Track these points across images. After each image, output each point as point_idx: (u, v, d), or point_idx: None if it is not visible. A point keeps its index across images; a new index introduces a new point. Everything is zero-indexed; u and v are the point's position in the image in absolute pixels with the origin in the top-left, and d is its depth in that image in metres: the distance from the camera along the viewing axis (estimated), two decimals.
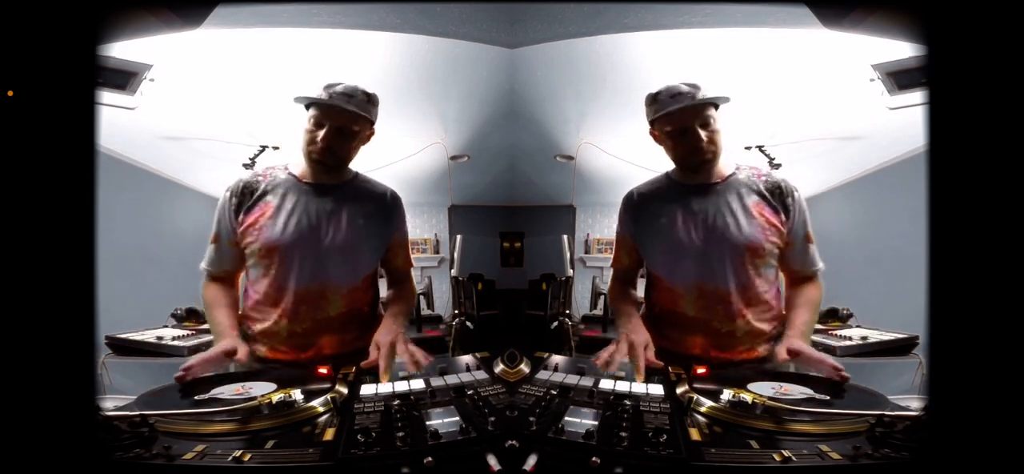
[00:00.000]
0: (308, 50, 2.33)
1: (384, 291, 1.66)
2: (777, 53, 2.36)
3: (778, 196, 1.41)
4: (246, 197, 1.41)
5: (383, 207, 1.49)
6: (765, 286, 1.41)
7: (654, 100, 1.40)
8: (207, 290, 1.46)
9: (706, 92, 1.38)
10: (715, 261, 1.38)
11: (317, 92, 1.39)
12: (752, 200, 1.40)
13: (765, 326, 1.43)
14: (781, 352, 1.31)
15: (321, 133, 1.37)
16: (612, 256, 1.61)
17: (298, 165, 1.46)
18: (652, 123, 1.43)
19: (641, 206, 1.50)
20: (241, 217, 1.41)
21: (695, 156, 1.39)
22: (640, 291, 1.64)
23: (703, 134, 1.36)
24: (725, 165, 1.45)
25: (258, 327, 1.43)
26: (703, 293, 1.40)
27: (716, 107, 1.38)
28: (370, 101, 1.41)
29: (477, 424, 0.96)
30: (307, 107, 1.40)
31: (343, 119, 1.38)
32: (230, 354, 1.27)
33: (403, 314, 1.52)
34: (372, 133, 1.47)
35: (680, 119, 1.37)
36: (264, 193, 1.41)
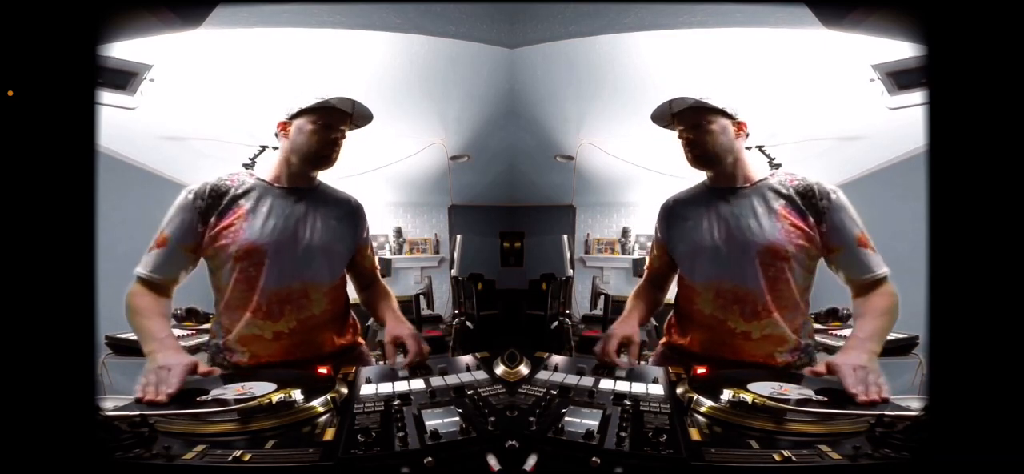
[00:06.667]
0: (308, 50, 2.33)
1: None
2: (777, 53, 2.35)
3: (809, 199, 1.38)
4: (216, 201, 1.38)
5: (350, 211, 1.55)
6: (789, 291, 1.38)
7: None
8: (140, 297, 1.36)
9: (712, 99, 1.40)
10: (734, 262, 1.38)
11: (311, 100, 1.42)
12: (779, 203, 1.39)
13: (787, 333, 1.40)
14: (818, 365, 1.26)
15: (332, 135, 1.42)
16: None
17: (268, 170, 1.46)
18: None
19: (673, 211, 1.53)
20: (212, 220, 1.38)
21: (687, 158, 1.43)
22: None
23: (690, 135, 1.40)
24: (755, 169, 1.45)
25: (236, 332, 1.40)
26: (720, 293, 1.40)
27: (721, 114, 1.40)
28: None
29: (477, 424, 0.96)
30: (316, 110, 1.41)
31: (350, 123, 1.44)
32: (193, 371, 1.21)
33: (397, 310, 1.59)
34: None
35: (672, 123, 1.42)
36: (236, 197, 1.40)
